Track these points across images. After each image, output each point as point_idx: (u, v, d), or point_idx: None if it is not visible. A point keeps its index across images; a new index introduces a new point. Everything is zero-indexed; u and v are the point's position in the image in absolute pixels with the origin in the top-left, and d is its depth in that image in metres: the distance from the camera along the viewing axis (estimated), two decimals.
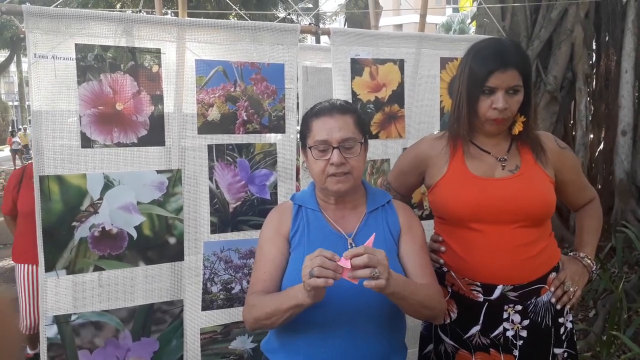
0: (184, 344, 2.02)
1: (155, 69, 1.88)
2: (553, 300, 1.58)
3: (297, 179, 2.34)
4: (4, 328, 0.73)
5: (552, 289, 1.59)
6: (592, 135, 5.05)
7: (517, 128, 1.57)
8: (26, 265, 3.16)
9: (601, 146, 5.08)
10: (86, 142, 1.80)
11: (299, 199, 1.57)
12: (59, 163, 1.78)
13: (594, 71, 5.03)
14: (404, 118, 2.32)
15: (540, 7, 4.72)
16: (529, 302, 1.56)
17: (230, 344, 2.10)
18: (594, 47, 5.06)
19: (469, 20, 22.09)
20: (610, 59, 4.81)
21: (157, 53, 1.88)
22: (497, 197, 1.53)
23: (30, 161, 3.25)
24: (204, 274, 2.02)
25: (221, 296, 2.05)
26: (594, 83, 5.04)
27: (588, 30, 4.73)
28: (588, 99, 4.81)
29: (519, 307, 1.56)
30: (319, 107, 1.51)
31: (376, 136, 2.26)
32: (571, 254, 1.72)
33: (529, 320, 1.57)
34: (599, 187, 4.90)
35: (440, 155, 1.64)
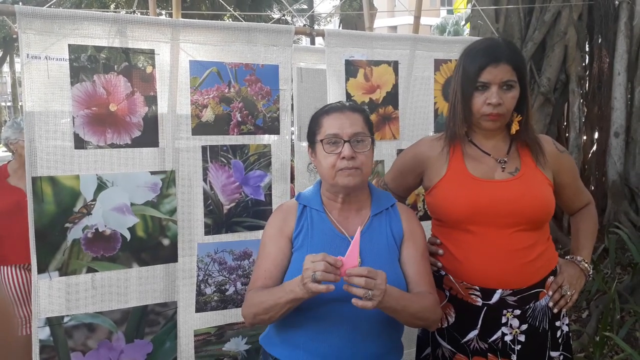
0: (178, 346, 2.01)
1: (149, 69, 1.87)
2: (551, 304, 1.58)
3: (292, 181, 2.34)
4: (4, 329, 0.73)
5: (550, 292, 1.58)
6: (585, 137, 5.06)
7: (514, 127, 1.56)
8: (6, 267, 3.08)
9: (594, 148, 5.09)
10: (79, 143, 1.79)
11: (304, 199, 1.57)
12: (52, 164, 1.77)
13: (587, 73, 5.05)
14: (398, 119, 2.32)
15: (533, 10, 4.73)
16: (527, 307, 1.55)
17: (224, 345, 2.10)
18: (587, 49, 5.08)
19: (463, 22, 22.16)
20: (603, 61, 4.83)
21: (151, 54, 1.87)
22: (497, 200, 1.52)
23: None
24: (198, 275, 2.01)
25: (215, 298, 2.05)
26: (587, 85, 5.05)
27: (581, 33, 4.75)
28: (581, 100, 4.83)
29: (517, 312, 1.55)
30: (330, 106, 1.55)
31: None
32: (568, 257, 1.71)
33: (527, 324, 1.56)
34: (592, 188, 4.91)
35: (440, 156, 1.62)
